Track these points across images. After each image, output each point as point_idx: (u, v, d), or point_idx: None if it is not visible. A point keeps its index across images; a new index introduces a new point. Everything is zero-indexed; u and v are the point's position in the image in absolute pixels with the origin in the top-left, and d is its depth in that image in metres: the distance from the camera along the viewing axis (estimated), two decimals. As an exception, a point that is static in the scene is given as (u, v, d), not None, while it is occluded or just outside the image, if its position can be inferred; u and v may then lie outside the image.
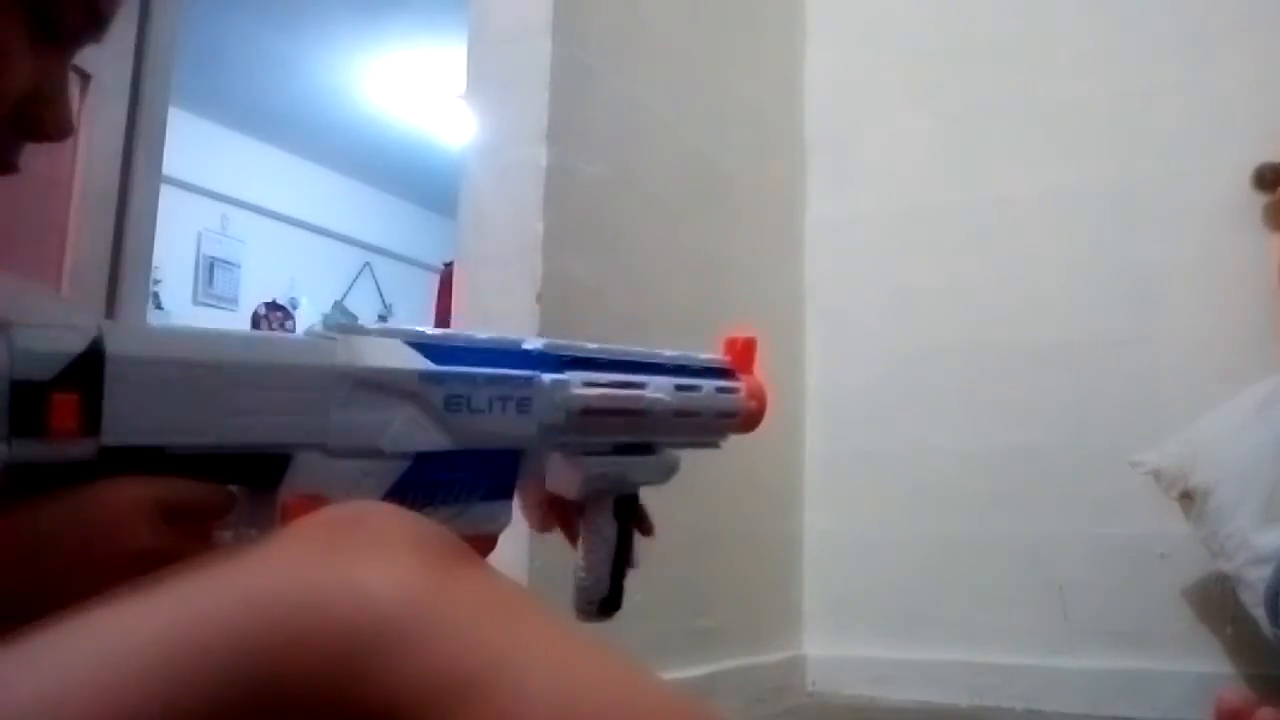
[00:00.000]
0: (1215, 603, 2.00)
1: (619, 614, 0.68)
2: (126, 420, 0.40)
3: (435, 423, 0.51)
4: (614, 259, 1.87)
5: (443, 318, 4.66)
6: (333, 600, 0.37)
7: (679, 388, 0.65)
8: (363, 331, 0.50)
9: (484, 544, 0.57)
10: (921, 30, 2.59)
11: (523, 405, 0.55)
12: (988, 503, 2.30)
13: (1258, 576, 1.73)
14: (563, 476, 0.65)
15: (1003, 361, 2.34)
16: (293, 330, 5.89)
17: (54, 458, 0.39)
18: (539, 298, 1.65)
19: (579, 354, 0.61)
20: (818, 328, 2.58)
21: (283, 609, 0.36)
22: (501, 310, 1.69)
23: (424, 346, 0.51)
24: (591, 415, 0.60)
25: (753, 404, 0.72)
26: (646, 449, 0.67)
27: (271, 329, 5.80)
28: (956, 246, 2.44)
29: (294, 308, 5.90)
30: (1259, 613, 1.74)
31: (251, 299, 5.66)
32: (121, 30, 1.93)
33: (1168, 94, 2.27)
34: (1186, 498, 1.89)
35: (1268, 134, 2.11)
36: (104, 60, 1.87)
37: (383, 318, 6.48)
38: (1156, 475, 1.93)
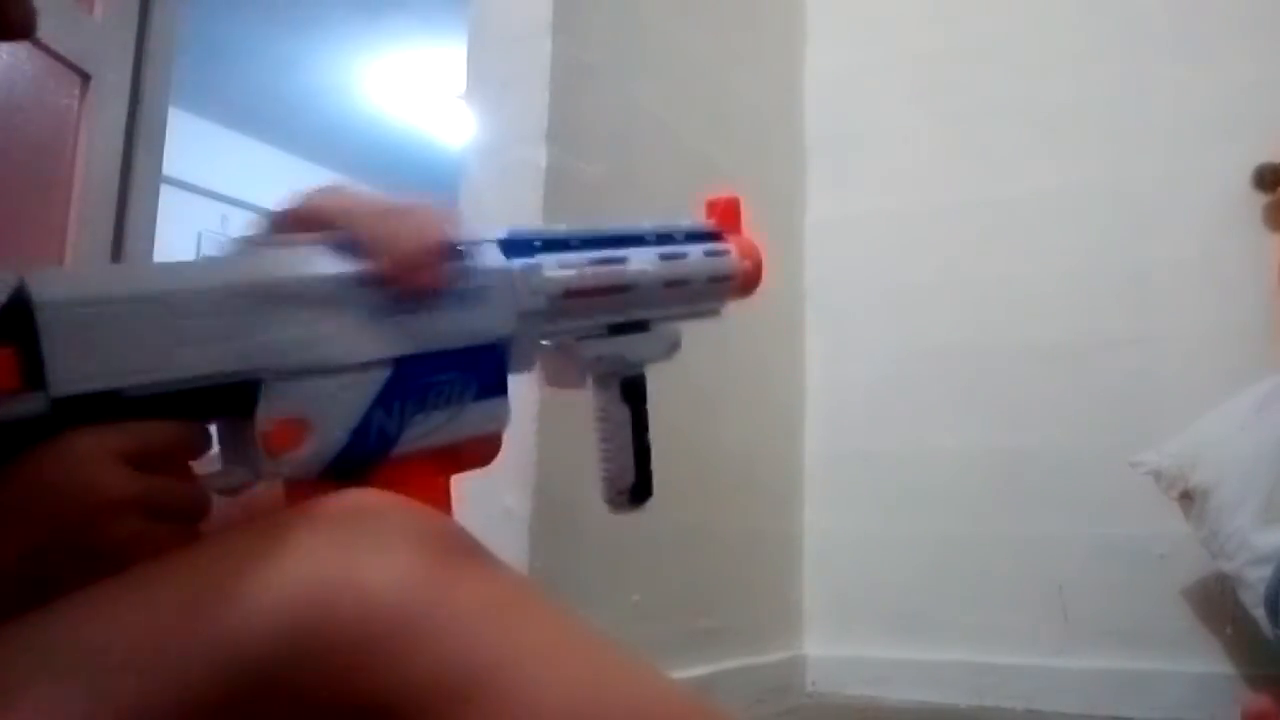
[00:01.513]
0: (1215, 603, 2.00)
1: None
2: (72, 367, 0.38)
3: (392, 324, 0.48)
4: (614, 259, 1.87)
5: (443, 318, 4.63)
6: (336, 598, 0.36)
7: (664, 257, 0.63)
8: (293, 241, 0.47)
9: (488, 445, 0.55)
10: (921, 30, 2.59)
11: (495, 297, 0.53)
12: (988, 503, 2.30)
13: (1258, 576, 1.73)
14: (559, 367, 0.62)
15: (1002, 361, 2.34)
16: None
17: (4, 416, 0.37)
18: (539, 298, 1.65)
19: (550, 237, 0.58)
20: (818, 328, 2.58)
21: (286, 606, 0.36)
22: (501, 310, 1.69)
23: None
24: (575, 297, 0.57)
25: (747, 264, 0.69)
26: (642, 326, 0.64)
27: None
28: (956, 246, 2.44)
29: (294, 308, 5.89)
30: (1259, 613, 1.74)
31: (251, 299, 5.65)
32: (121, 30, 1.93)
33: (1168, 94, 2.27)
34: (1186, 498, 1.89)
35: (1268, 134, 2.11)
36: (104, 60, 1.87)
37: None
38: (1156, 475, 1.92)
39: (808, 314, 2.59)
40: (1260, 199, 2.13)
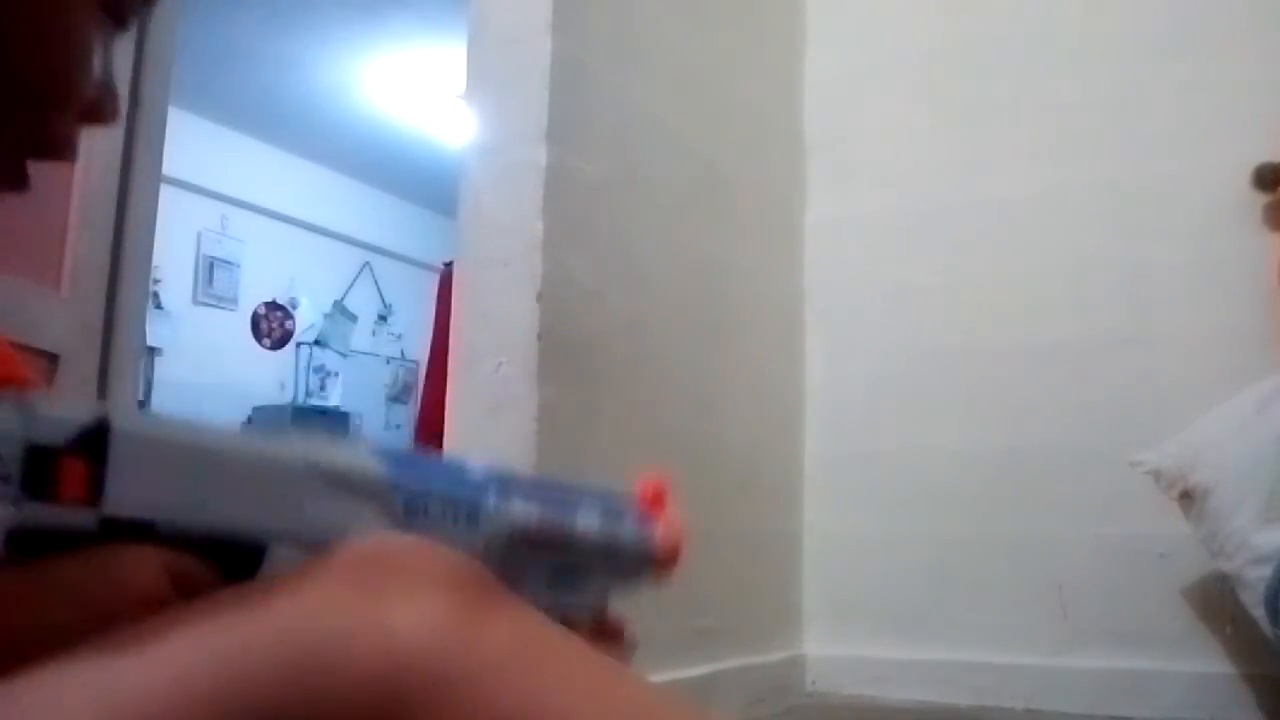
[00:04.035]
0: (1215, 603, 2.00)
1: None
2: (127, 493, 0.41)
3: (395, 525, 0.52)
4: (614, 259, 1.87)
5: (443, 318, 4.65)
6: (358, 645, 0.35)
7: (604, 521, 0.68)
8: (331, 440, 0.52)
9: None
10: (921, 30, 2.59)
11: (471, 519, 0.57)
12: (988, 503, 2.30)
13: (1258, 576, 1.73)
14: None
15: (1003, 361, 2.34)
16: (292, 329, 5.90)
17: (59, 523, 0.39)
18: (539, 298, 1.65)
19: (513, 478, 0.65)
20: (818, 328, 2.58)
21: (304, 654, 0.35)
22: (501, 310, 1.69)
23: (382, 454, 0.53)
24: (529, 539, 0.61)
25: (668, 545, 0.75)
26: (571, 581, 0.71)
27: (271, 328, 5.81)
28: (956, 246, 2.44)
29: (294, 307, 5.90)
30: (1259, 613, 1.74)
31: (251, 299, 5.66)
32: (121, 30, 1.93)
33: (1168, 94, 2.27)
34: (1186, 498, 1.89)
35: (1268, 134, 2.11)
36: (104, 60, 1.87)
37: (383, 317, 6.48)
38: (1156, 475, 1.92)
39: (808, 314, 2.59)
40: (1260, 199, 2.13)
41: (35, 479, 0.39)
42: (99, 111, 0.51)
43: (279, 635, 0.35)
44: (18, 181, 0.51)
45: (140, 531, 0.42)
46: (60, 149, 0.51)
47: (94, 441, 0.40)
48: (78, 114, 0.50)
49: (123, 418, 0.41)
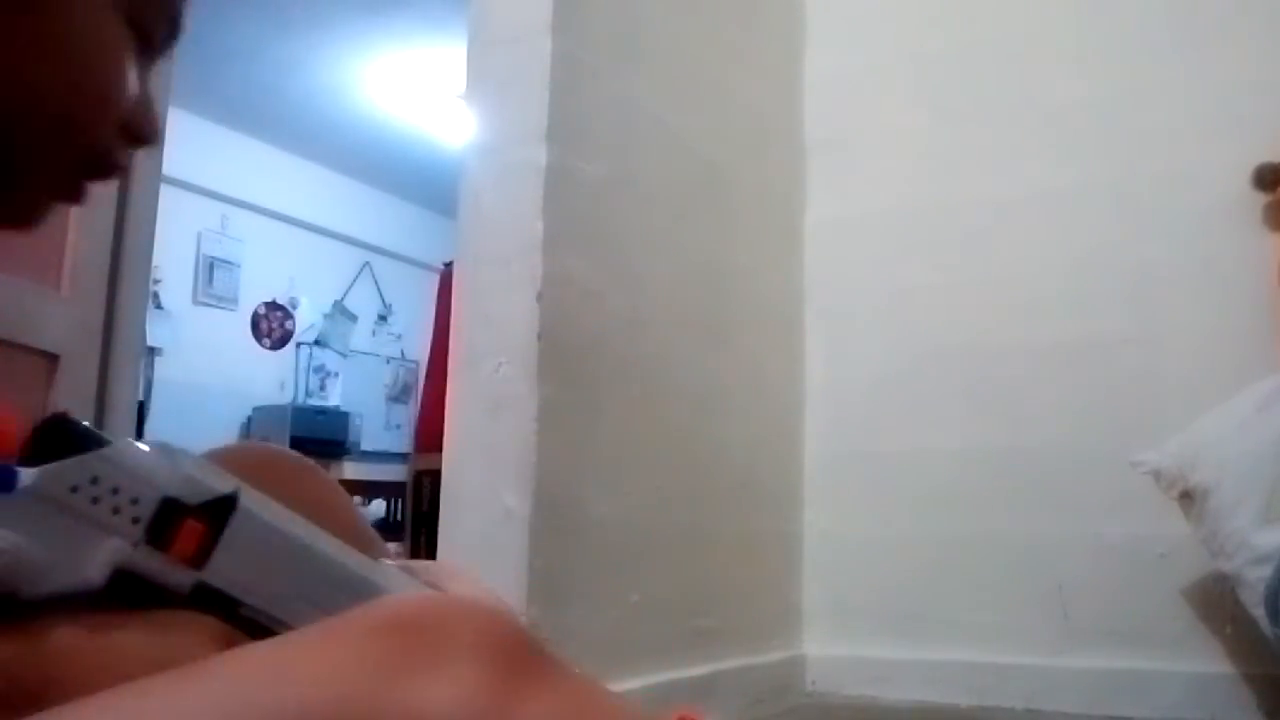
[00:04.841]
0: (1215, 603, 2.00)
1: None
2: (228, 567, 0.43)
3: None
4: (614, 259, 1.87)
5: (443, 318, 4.64)
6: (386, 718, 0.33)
7: None
8: (414, 572, 0.54)
9: None
10: (921, 30, 2.59)
11: None
12: (988, 503, 2.30)
13: (1257, 576, 1.73)
14: None
15: (1003, 361, 2.34)
16: (292, 329, 5.90)
17: (161, 576, 0.42)
18: (539, 298, 1.65)
19: None
20: (818, 328, 2.58)
21: None
22: (501, 310, 1.69)
23: None
24: None
25: None
26: None
27: (271, 328, 5.81)
28: (956, 246, 2.44)
29: (294, 307, 5.90)
30: (1259, 613, 1.74)
31: (251, 299, 5.66)
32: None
33: (1168, 94, 2.27)
34: (1186, 498, 1.89)
35: (1268, 134, 2.11)
36: (104, 60, 1.87)
37: (383, 317, 6.48)
38: (1156, 475, 1.92)
39: (808, 314, 2.59)
40: (1260, 199, 2.13)
41: (158, 528, 0.41)
42: (138, 130, 0.53)
43: (303, 708, 0.33)
44: (74, 197, 0.54)
45: (224, 605, 0.44)
46: (108, 167, 0.53)
47: (219, 511, 0.43)
48: (118, 132, 0.52)
49: (251, 499, 0.44)
